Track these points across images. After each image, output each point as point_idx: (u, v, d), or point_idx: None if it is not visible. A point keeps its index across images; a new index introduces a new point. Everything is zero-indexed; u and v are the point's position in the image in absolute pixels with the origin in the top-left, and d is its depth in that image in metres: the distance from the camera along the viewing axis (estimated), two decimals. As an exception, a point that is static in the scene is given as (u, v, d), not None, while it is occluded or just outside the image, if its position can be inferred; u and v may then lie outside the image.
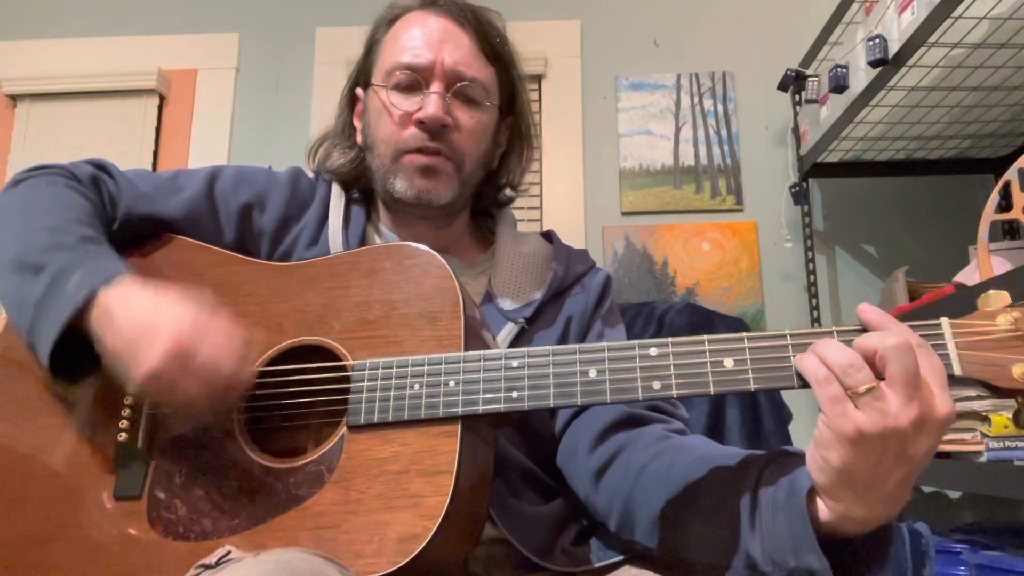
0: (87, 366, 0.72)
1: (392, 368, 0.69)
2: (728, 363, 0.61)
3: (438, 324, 0.71)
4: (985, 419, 1.38)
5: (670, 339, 0.63)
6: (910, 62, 1.62)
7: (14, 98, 2.46)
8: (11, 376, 0.76)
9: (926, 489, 2.02)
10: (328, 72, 2.43)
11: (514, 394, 0.66)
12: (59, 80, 2.43)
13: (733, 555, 0.62)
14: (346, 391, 0.70)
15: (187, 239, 0.85)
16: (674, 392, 0.62)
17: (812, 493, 0.57)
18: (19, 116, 2.45)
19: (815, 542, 0.56)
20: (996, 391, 0.57)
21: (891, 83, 1.70)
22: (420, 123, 0.85)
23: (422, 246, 0.75)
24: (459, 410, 0.66)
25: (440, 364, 0.68)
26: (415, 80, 0.87)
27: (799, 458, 0.60)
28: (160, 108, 2.46)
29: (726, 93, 2.37)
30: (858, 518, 0.55)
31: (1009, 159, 2.03)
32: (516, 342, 0.84)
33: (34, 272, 0.71)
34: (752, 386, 0.60)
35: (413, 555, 0.61)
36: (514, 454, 0.82)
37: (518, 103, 0.97)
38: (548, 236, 0.99)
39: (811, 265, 2.17)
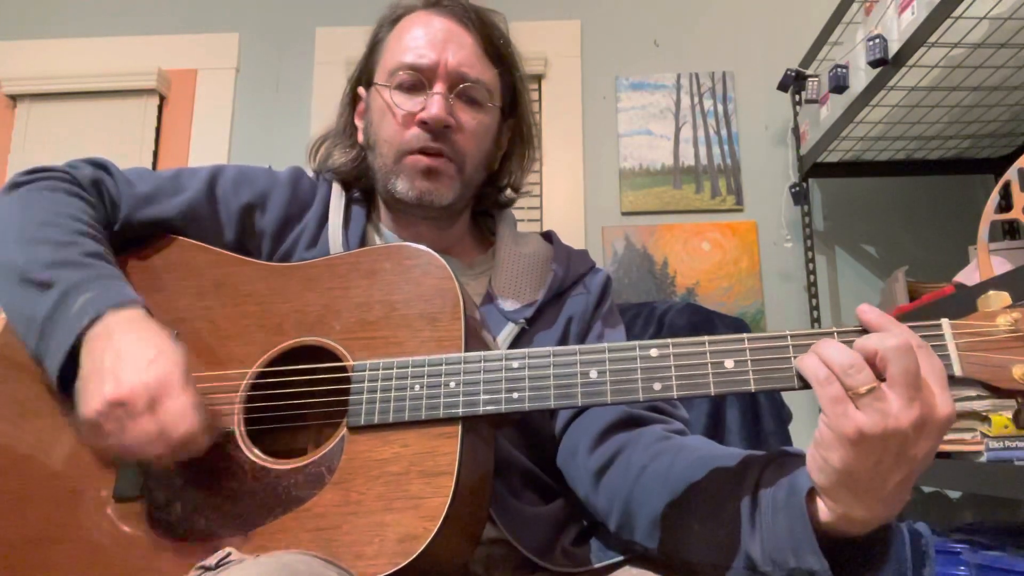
0: None
1: (392, 369, 0.69)
2: (728, 364, 0.61)
3: (438, 325, 0.71)
4: (985, 419, 1.38)
5: (670, 340, 0.63)
6: (910, 62, 1.62)
7: (14, 98, 2.46)
8: (11, 376, 0.76)
9: (926, 489, 2.02)
10: (328, 72, 2.43)
11: (515, 395, 0.66)
12: (59, 80, 2.43)
13: (733, 555, 0.62)
14: (346, 392, 0.70)
15: (187, 239, 0.85)
16: (675, 393, 0.62)
17: (812, 493, 0.57)
18: (19, 116, 2.45)
19: (815, 542, 0.56)
20: (996, 392, 0.57)
21: (891, 83, 1.70)
22: (423, 123, 0.85)
23: (422, 247, 0.75)
24: (459, 411, 0.66)
25: (440, 365, 0.68)
26: (418, 80, 0.87)
27: (799, 458, 0.60)
28: (160, 108, 2.46)
29: (726, 93, 2.37)
30: (858, 518, 0.55)
31: (1009, 159, 2.03)
32: (516, 343, 0.84)
33: (40, 288, 0.72)
34: (752, 387, 0.60)
35: (414, 556, 0.61)
36: (514, 455, 0.82)
37: (520, 105, 0.97)
38: (548, 237, 0.99)
39: (811, 265, 2.17)
